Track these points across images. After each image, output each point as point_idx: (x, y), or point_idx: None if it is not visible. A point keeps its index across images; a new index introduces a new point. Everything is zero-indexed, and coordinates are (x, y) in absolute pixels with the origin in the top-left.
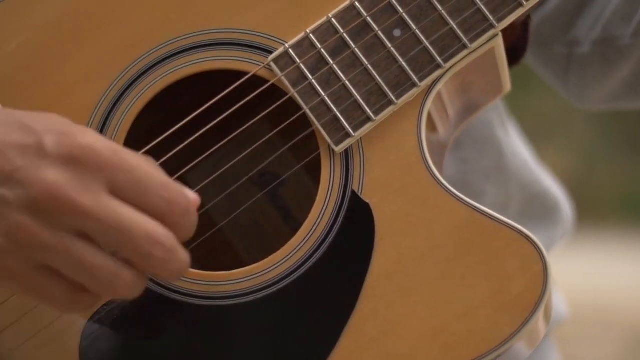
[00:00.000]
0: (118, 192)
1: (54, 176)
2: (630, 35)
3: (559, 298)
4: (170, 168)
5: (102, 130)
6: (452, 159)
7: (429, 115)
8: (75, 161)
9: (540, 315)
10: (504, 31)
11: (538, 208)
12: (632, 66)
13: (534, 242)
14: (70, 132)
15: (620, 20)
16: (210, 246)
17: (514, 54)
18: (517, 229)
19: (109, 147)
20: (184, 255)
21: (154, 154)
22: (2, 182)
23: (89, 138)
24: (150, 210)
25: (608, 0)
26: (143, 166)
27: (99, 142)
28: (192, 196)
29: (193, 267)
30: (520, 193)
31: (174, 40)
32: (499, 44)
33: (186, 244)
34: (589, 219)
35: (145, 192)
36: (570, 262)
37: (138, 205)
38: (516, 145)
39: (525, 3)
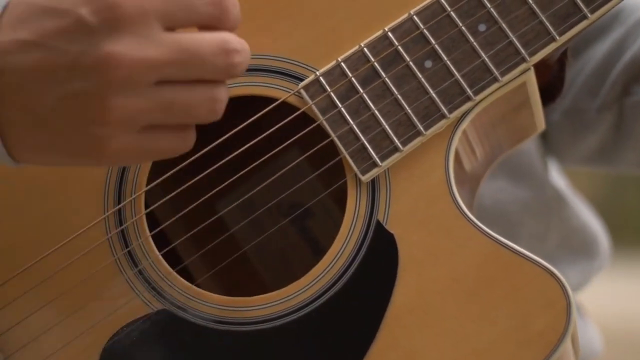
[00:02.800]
0: (170, 23)
1: (111, 47)
2: (595, 110)
3: (595, 332)
4: (198, 191)
5: None
6: (489, 189)
7: (459, 148)
8: (121, 20)
9: (563, 351)
10: (538, 69)
11: (577, 241)
12: (599, 138)
13: (558, 278)
14: None
15: (587, 94)
16: (236, 271)
17: (550, 92)
18: (541, 264)
19: None
20: (247, 46)
21: (182, 177)
22: (69, 75)
23: None
24: (206, 20)
25: (579, 72)
26: None
27: None
28: None
29: (216, 291)
30: (559, 225)
31: None
32: (531, 78)
33: (211, 267)
34: (620, 244)
35: (194, 6)
36: (602, 288)
37: (194, 22)
38: (555, 177)
39: (558, 38)
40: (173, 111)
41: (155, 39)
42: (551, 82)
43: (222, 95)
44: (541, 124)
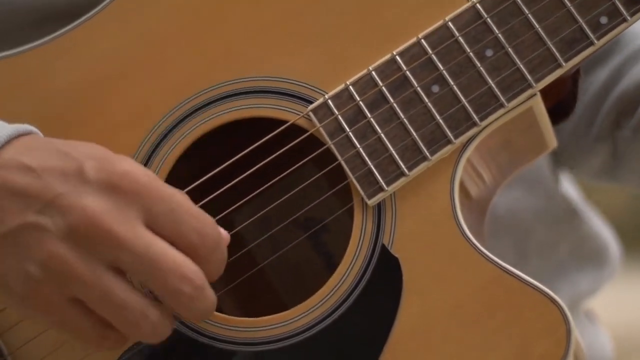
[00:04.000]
0: (153, 221)
1: (93, 204)
2: (592, 139)
3: (606, 338)
4: (208, 212)
5: None
6: (503, 198)
7: (465, 173)
8: (115, 188)
9: None
10: (551, 86)
11: (587, 249)
12: (600, 162)
13: (558, 304)
14: (109, 158)
15: (584, 122)
16: (251, 287)
17: (563, 109)
18: (543, 290)
19: (146, 174)
20: (210, 295)
21: (192, 197)
22: (42, 209)
23: (127, 165)
24: (182, 240)
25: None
26: (177, 195)
27: (137, 169)
28: (222, 231)
29: (233, 306)
30: (570, 234)
31: (218, 86)
32: (538, 103)
33: (227, 283)
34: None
35: (179, 221)
36: (617, 298)
37: (171, 236)
38: (566, 187)
39: (564, 64)
40: (105, 300)
41: (133, 225)
42: (564, 98)
43: (154, 317)
44: (552, 142)
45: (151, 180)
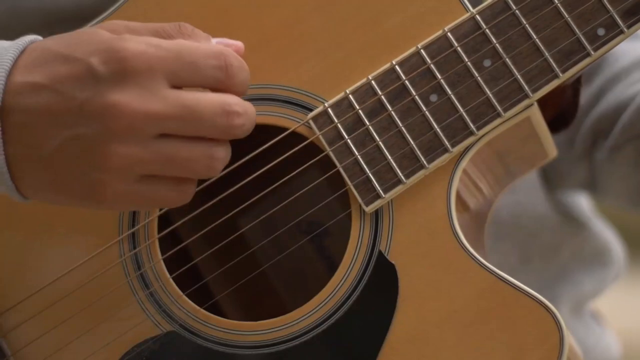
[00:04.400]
0: (176, 80)
1: (116, 97)
2: (570, 160)
3: (612, 338)
4: (213, 214)
5: None
6: (505, 202)
7: (461, 182)
8: (128, 72)
9: None
10: (552, 95)
11: (590, 251)
12: (581, 182)
13: (552, 312)
14: (110, 47)
15: (566, 142)
16: (252, 289)
17: (563, 118)
18: (537, 298)
19: (149, 45)
20: (252, 109)
21: (196, 201)
22: (74, 120)
23: (128, 45)
24: (210, 81)
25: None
26: (184, 46)
27: (139, 45)
28: (235, 45)
29: (234, 308)
30: (572, 236)
31: None
32: (535, 113)
33: (229, 286)
34: None
35: (199, 68)
36: (625, 301)
37: (199, 83)
38: (566, 193)
39: (561, 75)
40: (171, 164)
41: (159, 93)
42: (565, 107)
43: (221, 154)
44: (552, 151)
45: (156, 47)
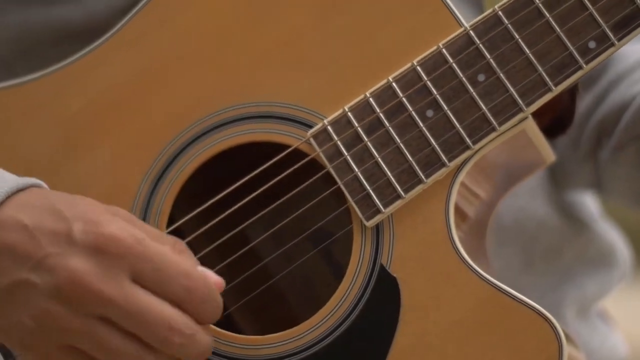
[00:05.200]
0: (140, 279)
1: (79, 265)
2: (576, 161)
3: (619, 338)
4: (217, 232)
5: (151, 196)
6: (507, 208)
7: (460, 195)
8: (100, 250)
9: None
10: (548, 102)
11: (594, 253)
12: (587, 183)
13: (551, 322)
14: (97, 220)
15: (570, 144)
16: (259, 303)
17: (561, 124)
18: (536, 309)
19: (132, 236)
20: (204, 339)
21: (202, 219)
22: (32, 267)
23: (114, 227)
24: (170, 297)
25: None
26: (165, 255)
27: (123, 232)
28: (215, 279)
29: (246, 320)
30: (575, 238)
31: (222, 111)
32: (530, 125)
33: (238, 299)
34: None
35: (166, 280)
36: (631, 303)
37: (159, 293)
38: (571, 194)
39: (554, 88)
40: (99, 348)
41: (119, 281)
42: (562, 113)
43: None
44: (550, 157)
45: (138, 241)
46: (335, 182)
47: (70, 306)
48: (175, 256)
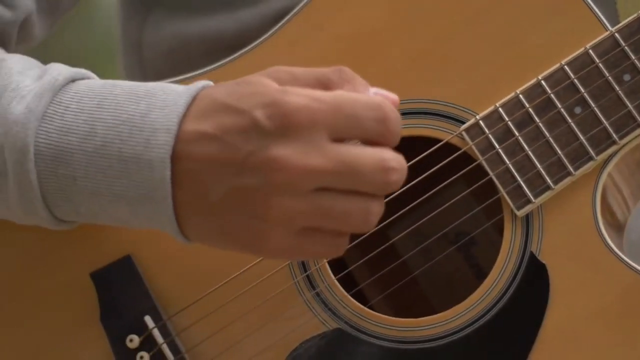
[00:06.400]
0: (337, 134)
1: (280, 151)
2: None
3: None
4: None
5: None
6: (635, 223)
7: (606, 188)
8: (292, 127)
9: None
10: None
11: None
12: None
13: None
14: (273, 100)
15: None
16: (405, 294)
17: None
18: None
19: (312, 99)
20: (405, 164)
21: None
22: (239, 171)
23: (291, 99)
24: (370, 135)
25: None
26: (344, 97)
27: (301, 98)
28: (391, 98)
29: (387, 312)
30: None
31: None
32: None
33: (383, 290)
34: None
35: (358, 122)
36: None
37: (359, 135)
38: None
39: None
40: (329, 217)
41: (321, 149)
42: None
43: (376, 208)
44: None
45: (317, 101)
46: (483, 176)
47: (287, 193)
48: (352, 95)
